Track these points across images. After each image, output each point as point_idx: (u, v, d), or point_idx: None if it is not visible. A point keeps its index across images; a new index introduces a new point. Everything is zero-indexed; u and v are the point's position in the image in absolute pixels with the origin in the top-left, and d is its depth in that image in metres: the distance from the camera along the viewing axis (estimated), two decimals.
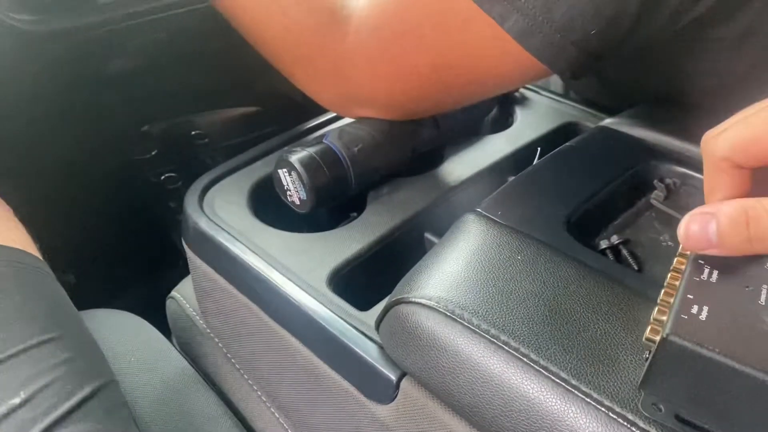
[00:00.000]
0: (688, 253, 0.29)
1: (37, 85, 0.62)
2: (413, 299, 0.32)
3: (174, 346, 0.57)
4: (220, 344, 0.51)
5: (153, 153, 0.82)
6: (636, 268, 0.36)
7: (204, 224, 0.44)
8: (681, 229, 0.26)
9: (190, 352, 0.55)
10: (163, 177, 0.82)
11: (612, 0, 0.34)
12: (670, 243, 0.39)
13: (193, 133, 0.84)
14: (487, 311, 0.30)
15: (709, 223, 0.25)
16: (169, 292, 0.58)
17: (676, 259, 0.29)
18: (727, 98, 0.43)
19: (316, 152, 0.45)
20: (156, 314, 0.59)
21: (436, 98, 0.44)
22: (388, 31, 0.42)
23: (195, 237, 0.45)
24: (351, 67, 0.44)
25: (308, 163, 0.44)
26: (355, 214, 0.49)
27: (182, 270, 0.55)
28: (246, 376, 0.49)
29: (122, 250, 0.75)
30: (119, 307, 0.59)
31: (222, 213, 0.46)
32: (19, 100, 0.60)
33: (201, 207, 0.46)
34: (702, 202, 0.42)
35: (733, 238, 0.25)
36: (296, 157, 0.44)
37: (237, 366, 0.50)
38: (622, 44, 0.38)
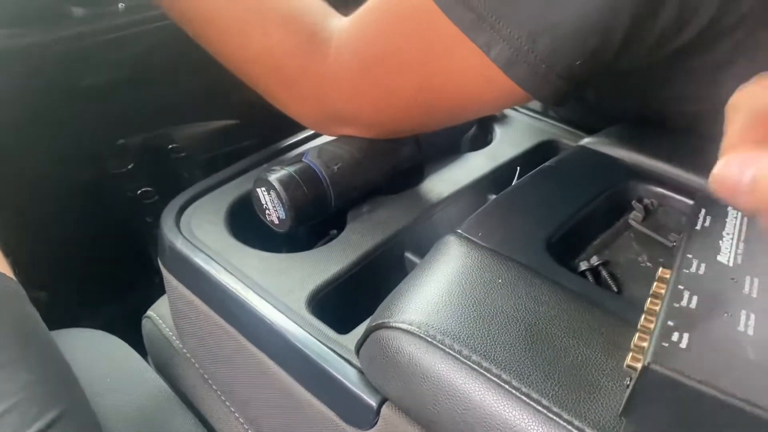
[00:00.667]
0: (667, 276, 0.30)
1: (11, 98, 0.61)
2: (394, 324, 0.32)
3: (150, 366, 0.56)
4: (197, 365, 0.50)
5: (129, 167, 0.81)
6: (615, 289, 0.36)
7: (180, 244, 0.44)
8: (715, 170, 0.23)
9: (166, 372, 0.54)
10: (139, 191, 0.81)
11: (596, 31, 0.35)
12: (648, 264, 0.39)
13: (170, 146, 0.83)
14: (468, 337, 0.30)
15: (748, 167, 0.22)
16: (145, 310, 0.57)
17: (655, 284, 0.29)
18: (705, 123, 0.43)
19: (296, 171, 0.45)
20: (132, 333, 0.58)
21: (419, 120, 0.44)
22: (369, 54, 0.42)
23: (171, 257, 0.45)
24: (333, 88, 0.44)
25: (287, 182, 0.44)
26: (335, 231, 0.49)
27: (158, 288, 0.54)
28: (224, 398, 0.48)
29: (97, 266, 0.74)
30: (94, 326, 0.57)
31: (199, 233, 0.45)
32: None
33: (178, 226, 0.45)
34: (678, 224, 0.42)
35: None
36: (275, 176, 0.44)
37: (215, 388, 0.49)
38: (604, 72, 0.38)
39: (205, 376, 0.49)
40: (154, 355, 0.56)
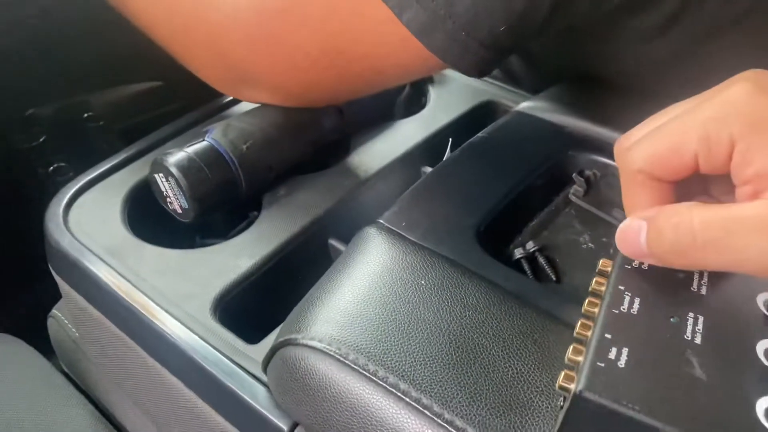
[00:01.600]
0: (609, 270, 0.26)
1: None
2: (302, 341, 0.27)
3: (64, 369, 0.51)
4: (106, 371, 0.45)
5: (41, 140, 0.73)
6: (554, 278, 0.33)
7: (67, 244, 0.38)
8: (617, 235, 0.25)
9: (77, 376, 0.49)
10: (51, 168, 0.74)
11: None
12: (590, 245, 0.35)
13: (86, 115, 0.76)
14: (385, 353, 0.26)
15: (642, 229, 0.24)
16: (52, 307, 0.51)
17: (594, 279, 0.26)
18: (650, 84, 0.39)
19: (196, 153, 0.39)
20: (40, 333, 0.52)
21: (329, 85, 0.39)
22: (269, 4, 0.36)
23: (59, 259, 0.39)
24: (227, 39, 0.39)
25: (187, 167, 0.38)
26: (255, 213, 0.44)
27: None
28: (137, 405, 0.44)
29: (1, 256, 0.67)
30: None
31: (91, 228, 0.39)
32: None
33: (65, 223, 0.39)
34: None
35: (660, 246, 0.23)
36: (173, 160, 0.38)
37: (126, 395, 0.44)
38: (534, 37, 0.34)
39: (115, 382, 0.45)
40: (62, 357, 0.50)
